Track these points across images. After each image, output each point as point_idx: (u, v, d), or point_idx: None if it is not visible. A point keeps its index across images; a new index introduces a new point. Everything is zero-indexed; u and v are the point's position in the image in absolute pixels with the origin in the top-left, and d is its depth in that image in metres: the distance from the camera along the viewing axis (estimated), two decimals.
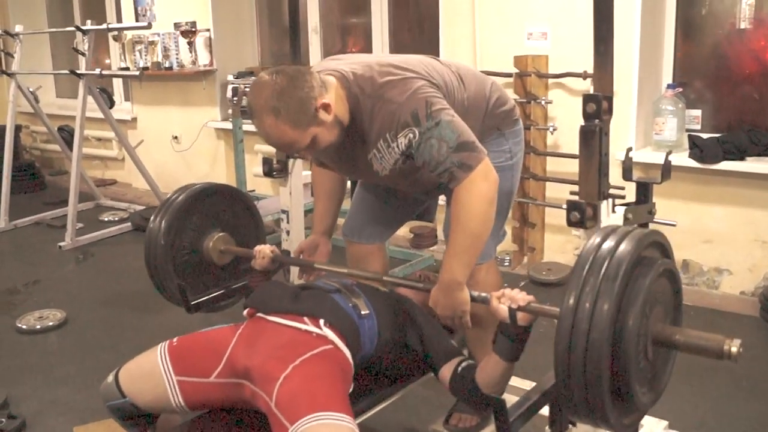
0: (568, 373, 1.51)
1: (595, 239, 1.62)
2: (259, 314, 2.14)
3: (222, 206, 2.77)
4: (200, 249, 2.70)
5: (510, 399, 2.32)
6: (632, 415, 1.66)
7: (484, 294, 2.02)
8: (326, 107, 2.01)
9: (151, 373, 2.06)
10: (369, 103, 2.07)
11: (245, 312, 2.20)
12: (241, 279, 2.81)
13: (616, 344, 1.50)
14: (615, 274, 1.51)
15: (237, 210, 2.82)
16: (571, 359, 1.50)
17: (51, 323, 3.93)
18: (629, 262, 1.53)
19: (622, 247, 1.57)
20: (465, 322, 2.13)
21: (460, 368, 2.11)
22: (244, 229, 2.84)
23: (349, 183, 2.70)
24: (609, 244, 1.59)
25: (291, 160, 2.88)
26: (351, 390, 2.00)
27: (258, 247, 2.53)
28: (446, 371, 2.14)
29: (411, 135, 2.03)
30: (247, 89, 5.67)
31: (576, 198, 2.02)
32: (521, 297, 1.88)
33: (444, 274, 2.09)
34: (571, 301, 1.52)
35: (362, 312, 2.13)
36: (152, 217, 2.65)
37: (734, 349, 1.54)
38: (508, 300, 1.88)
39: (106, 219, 6.25)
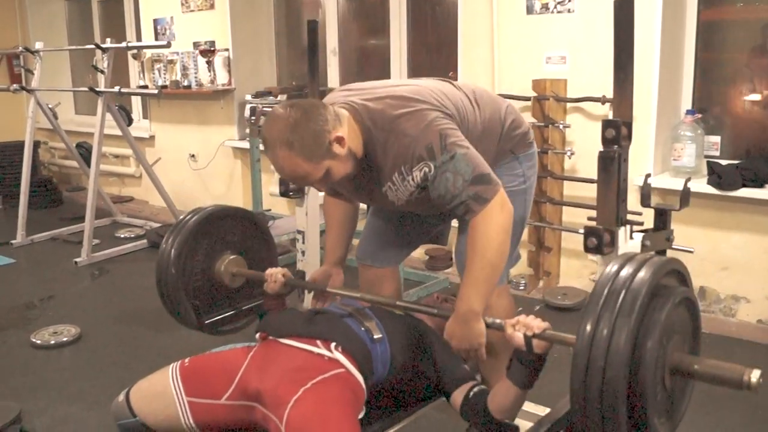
0: (585, 402, 1.48)
1: (612, 267, 1.59)
2: (272, 337, 2.14)
3: (233, 229, 2.74)
4: (212, 271, 2.67)
5: (524, 425, 2.31)
6: None
7: (498, 321, 1.99)
8: (340, 140, 2.00)
9: (163, 394, 2.06)
10: (382, 136, 2.06)
11: (257, 336, 2.20)
12: (254, 300, 2.77)
13: (633, 374, 1.48)
14: (632, 303, 1.49)
15: (248, 232, 2.79)
16: (587, 389, 1.47)
17: (65, 339, 3.94)
18: (647, 292, 1.51)
19: (640, 275, 1.54)
20: (480, 355, 2.10)
21: (471, 393, 2.09)
22: (256, 252, 2.81)
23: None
24: (626, 272, 1.56)
25: None
26: (364, 413, 1.99)
27: (269, 271, 2.51)
28: (458, 396, 2.12)
29: (426, 169, 2.02)
30: (265, 109, 5.74)
31: (593, 224, 2.01)
32: (536, 324, 1.85)
33: (461, 304, 2.06)
34: (588, 329, 1.49)
35: (375, 336, 2.11)
36: (162, 243, 2.62)
37: (754, 380, 1.52)
38: (523, 327, 1.86)
39: (122, 236, 6.27)
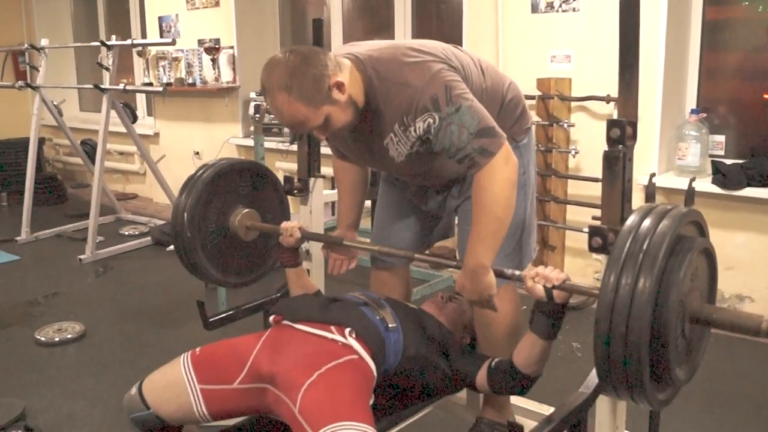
0: (608, 349, 1.50)
1: (635, 218, 1.60)
2: (286, 322, 2.14)
3: (245, 182, 2.73)
4: (226, 225, 2.67)
5: (528, 424, 2.31)
6: (668, 391, 1.65)
7: (518, 272, 2.01)
8: (340, 86, 1.98)
9: (175, 383, 2.05)
10: (385, 86, 2.04)
11: (271, 319, 2.20)
12: (269, 255, 2.81)
13: (655, 322, 1.49)
14: (656, 252, 1.50)
15: (260, 186, 2.78)
16: (611, 336, 1.49)
17: (69, 336, 3.95)
18: (669, 241, 1.52)
19: (662, 225, 1.55)
20: (492, 306, 2.10)
21: (493, 364, 2.13)
22: (268, 205, 2.81)
23: (368, 202, 2.70)
24: (648, 222, 1.57)
25: (312, 179, 2.88)
26: (372, 402, 1.99)
27: (285, 224, 2.51)
28: (482, 374, 2.15)
29: (430, 120, 1.99)
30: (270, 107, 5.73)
31: (598, 223, 2.01)
32: (555, 276, 1.87)
33: (469, 259, 2.06)
34: (612, 278, 1.51)
35: (389, 325, 2.12)
36: (176, 199, 2.61)
37: None
38: (542, 279, 1.88)
39: (126, 233, 6.29)
